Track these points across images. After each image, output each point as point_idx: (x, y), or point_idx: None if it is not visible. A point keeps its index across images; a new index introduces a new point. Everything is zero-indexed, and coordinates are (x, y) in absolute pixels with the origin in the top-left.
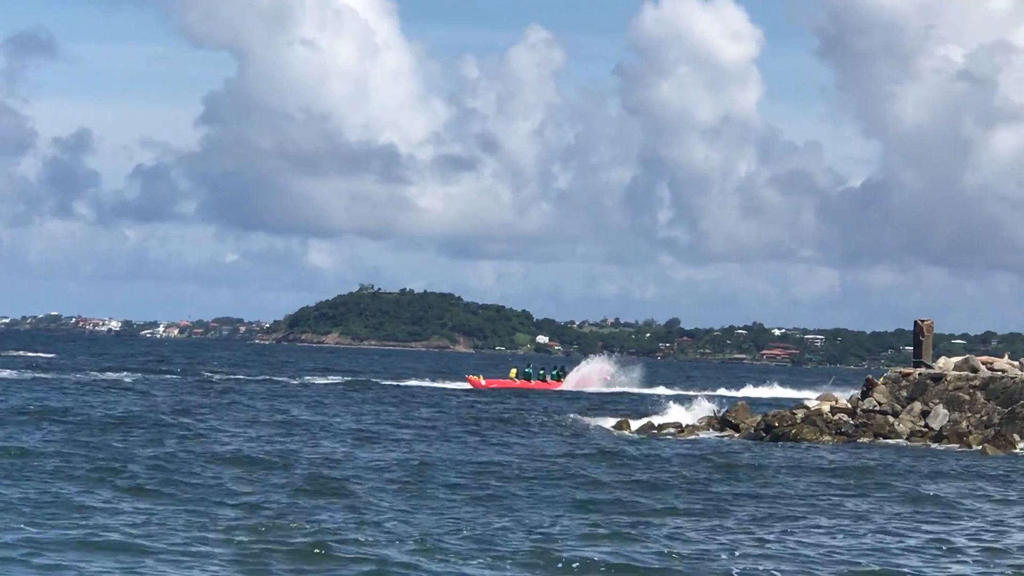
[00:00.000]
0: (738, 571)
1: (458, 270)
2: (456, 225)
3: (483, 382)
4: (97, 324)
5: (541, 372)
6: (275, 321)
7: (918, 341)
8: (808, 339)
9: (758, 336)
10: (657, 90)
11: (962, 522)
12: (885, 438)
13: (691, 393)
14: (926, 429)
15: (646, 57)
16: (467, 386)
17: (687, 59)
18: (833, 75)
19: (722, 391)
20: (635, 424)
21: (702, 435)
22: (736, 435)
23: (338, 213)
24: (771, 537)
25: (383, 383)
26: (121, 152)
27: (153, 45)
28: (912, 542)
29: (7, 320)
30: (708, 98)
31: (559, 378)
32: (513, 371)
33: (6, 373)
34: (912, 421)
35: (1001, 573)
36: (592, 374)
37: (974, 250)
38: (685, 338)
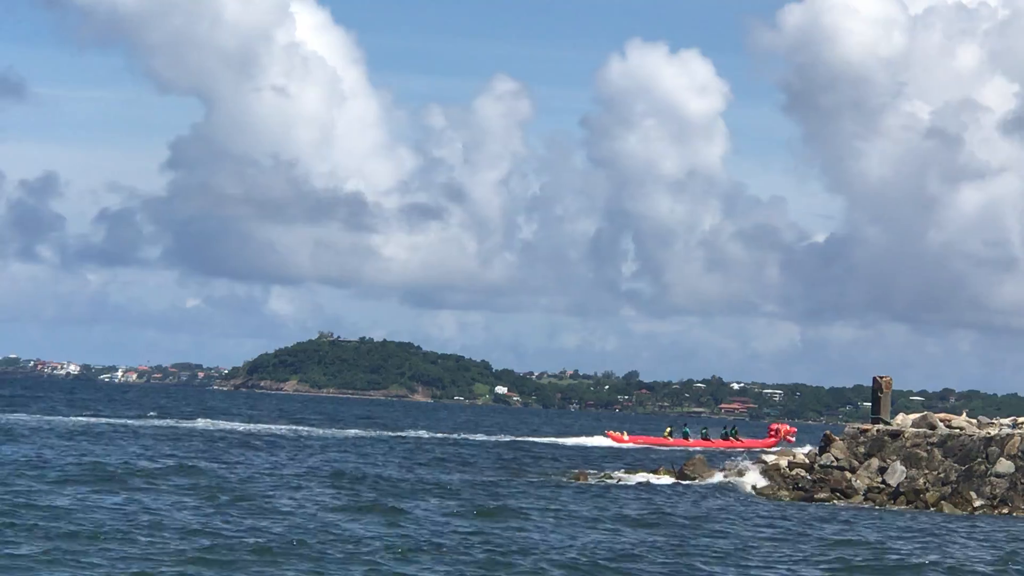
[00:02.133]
0: None
1: (419, 319)
2: (419, 274)
3: (626, 438)
4: (56, 367)
5: (704, 431)
6: (234, 367)
7: (876, 397)
8: (767, 393)
9: (717, 390)
10: (623, 142)
11: None
12: (843, 494)
13: None
14: (883, 485)
15: (612, 109)
16: (607, 442)
17: (653, 112)
18: (799, 130)
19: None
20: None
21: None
22: None
23: (302, 260)
24: None
25: (537, 440)
26: (87, 196)
27: (121, 90)
28: None
29: None
30: (674, 151)
31: (727, 438)
32: (668, 430)
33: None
34: (870, 477)
35: None
36: (775, 436)
37: (936, 307)
38: (644, 391)
